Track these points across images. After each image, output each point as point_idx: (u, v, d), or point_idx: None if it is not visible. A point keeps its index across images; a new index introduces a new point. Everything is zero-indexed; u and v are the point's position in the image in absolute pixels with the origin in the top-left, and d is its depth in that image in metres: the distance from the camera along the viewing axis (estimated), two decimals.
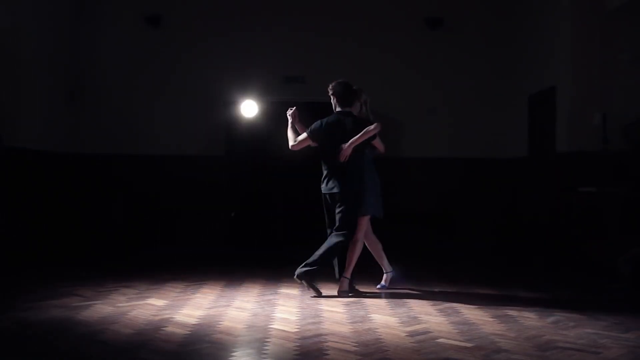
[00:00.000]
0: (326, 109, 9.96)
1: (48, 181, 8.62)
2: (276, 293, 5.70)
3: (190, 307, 5.03)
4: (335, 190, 5.65)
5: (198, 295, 5.53)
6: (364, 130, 5.57)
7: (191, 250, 8.68)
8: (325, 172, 5.73)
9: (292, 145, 5.80)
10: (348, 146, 5.55)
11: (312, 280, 5.58)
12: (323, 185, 5.74)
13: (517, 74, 9.35)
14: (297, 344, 3.97)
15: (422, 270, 7.26)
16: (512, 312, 5.02)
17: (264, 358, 3.72)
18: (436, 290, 5.95)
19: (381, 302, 5.38)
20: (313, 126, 5.75)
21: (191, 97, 9.62)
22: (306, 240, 9.01)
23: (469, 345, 4.02)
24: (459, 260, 8.45)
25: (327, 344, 3.99)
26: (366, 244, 5.94)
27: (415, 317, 4.80)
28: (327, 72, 9.57)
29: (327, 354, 3.77)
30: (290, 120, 5.89)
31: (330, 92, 5.79)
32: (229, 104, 9.56)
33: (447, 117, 9.76)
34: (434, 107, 9.74)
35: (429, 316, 4.85)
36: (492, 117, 9.74)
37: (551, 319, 4.80)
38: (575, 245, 7.17)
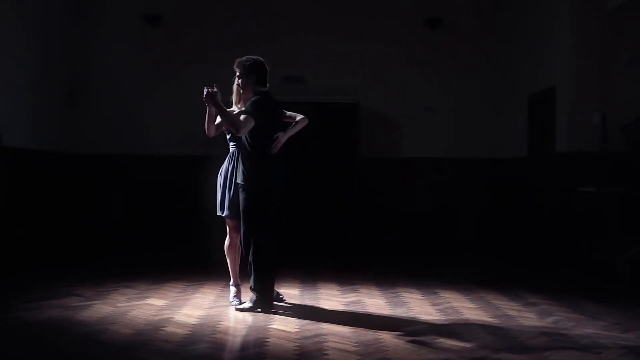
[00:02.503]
0: (327, 109, 9.99)
1: (48, 181, 8.63)
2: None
3: (190, 307, 5.02)
4: (284, 183, 5.05)
5: (198, 295, 5.53)
6: (301, 120, 5.11)
7: (191, 250, 8.67)
8: (264, 161, 4.85)
9: (241, 130, 4.68)
10: (285, 136, 4.99)
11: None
12: (267, 174, 4.85)
13: (517, 73, 9.35)
14: (297, 344, 3.97)
15: (421, 270, 7.26)
16: (512, 312, 5.02)
17: (264, 358, 3.72)
18: (436, 290, 5.94)
19: (381, 302, 5.38)
20: (255, 106, 4.81)
21: (191, 96, 9.58)
22: (305, 239, 9.08)
23: (468, 345, 4.02)
24: (459, 260, 8.45)
25: (327, 344, 3.99)
26: (233, 249, 5.19)
27: (415, 317, 4.81)
28: (327, 72, 9.65)
29: (327, 354, 3.77)
30: (213, 101, 4.71)
31: (245, 71, 4.92)
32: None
33: (447, 117, 9.75)
34: (433, 106, 9.73)
35: (429, 316, 4.85)
36: (492, 117, 9.74)
37: (551, 319, 4.80)
38: (574, 245, 7.17)
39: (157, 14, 9.59)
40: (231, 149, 5.15)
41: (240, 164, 4.92)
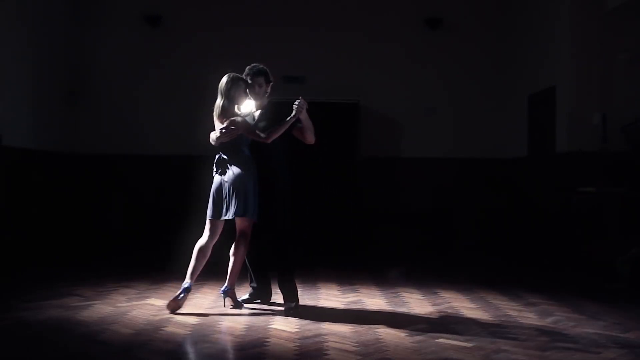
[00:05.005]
0: (327, 109, 9.97)
1: (48, 181, 8.62)
2: (276, 293, 5.68)
3: (190, 307, 5.02)
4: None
5: (198, 295, 5.53)
6: None
7: (191, 250, 8.66)
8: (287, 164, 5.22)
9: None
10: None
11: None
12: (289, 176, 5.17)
13: (517, 73, 9.36)
14: (297, 344, 3.97)
15: (422, 270, 7.26)
16: (512, 312, 5.02)
17: (264, 358, 3.71)
18: (436, 290, 5.94)
19: (381, 302, 5.38)
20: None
21: (191, 96, 9.60)
22: (305, 239, 9.07)
23: (469, 345, 4.02)
24: (459, 260, 8.45)
25: (327, 344, 3.99)
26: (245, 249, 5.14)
27: (415, 317, 4.81)
28: (327, 72, 9.65)
29: (327, 354, 3.77)
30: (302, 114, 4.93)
31: (268, 79, 5.16)
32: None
33: (447, 117, 9.76)
34: (433, 106, 9.73)
35: (429, 316, 4.85)
36: (492, 117, 9.74)
37: (551, 319, 4.80)
38: (574, 245, 7.17)
39: (157, 14, 9.59)
40: (224, 156, 5.25)
41: (245, 165, 5.20)
